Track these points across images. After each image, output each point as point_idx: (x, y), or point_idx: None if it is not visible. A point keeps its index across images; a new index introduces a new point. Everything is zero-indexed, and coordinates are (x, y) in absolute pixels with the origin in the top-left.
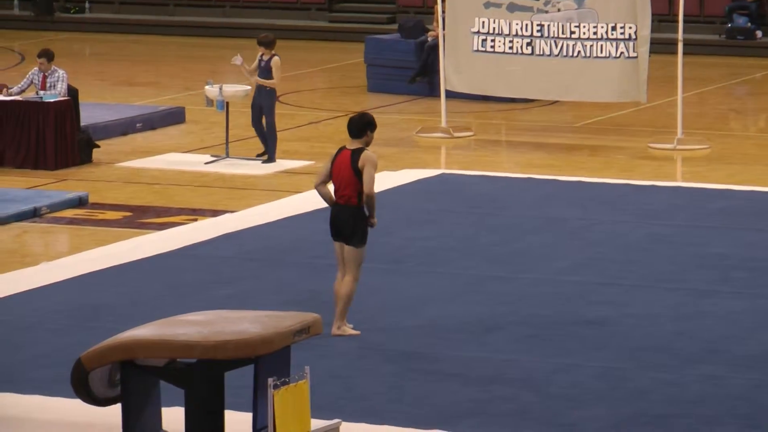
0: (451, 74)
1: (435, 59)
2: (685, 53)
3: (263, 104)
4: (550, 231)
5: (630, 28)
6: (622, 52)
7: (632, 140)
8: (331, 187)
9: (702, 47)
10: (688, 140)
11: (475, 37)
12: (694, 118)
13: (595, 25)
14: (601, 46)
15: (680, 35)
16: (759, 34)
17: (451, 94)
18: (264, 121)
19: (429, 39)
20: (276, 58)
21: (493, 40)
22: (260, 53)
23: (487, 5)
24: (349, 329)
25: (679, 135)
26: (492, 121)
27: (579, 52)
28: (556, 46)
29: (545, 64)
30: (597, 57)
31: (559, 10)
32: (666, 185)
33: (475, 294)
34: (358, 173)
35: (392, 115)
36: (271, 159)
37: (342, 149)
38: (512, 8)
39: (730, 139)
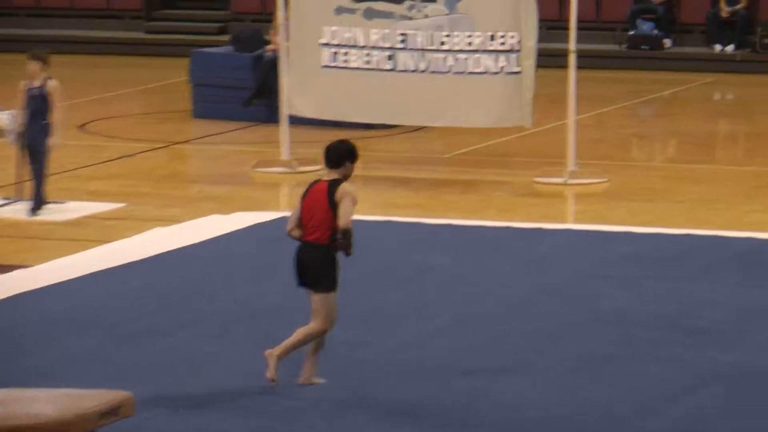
0: (294, 95)
1: (275, 77)
2: (579, 67)
3: (41, 141)
4: (417, 284)
5: (512, 37)
6: (502, 67)
7: (514, 174)
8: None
9: (599, 59)
10: (582, 173)
11: (324, 49)
12: (589, 146)
13: (470, 34)
14: (478, 59)
15: (573, 45)
16: (667, 42)
17: (294, 120)
18: (35, 160)
19: (267, 53)
20: (52, 81)
21: (346, 53)
22: (26, 81)
23: (339, 11)
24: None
25: (571, 167)
26: None
27: (450, 66)
28: (423, 60)
29: (409, 82)
30: (472, 73)
31: (426, 16)
32: (555, 228)
33: (323, 364)
34: (333, 208)
35: (222, 146)
36: (40, 205)
37: (316, 182)
38: (370, 14)
39: (633, 171)
